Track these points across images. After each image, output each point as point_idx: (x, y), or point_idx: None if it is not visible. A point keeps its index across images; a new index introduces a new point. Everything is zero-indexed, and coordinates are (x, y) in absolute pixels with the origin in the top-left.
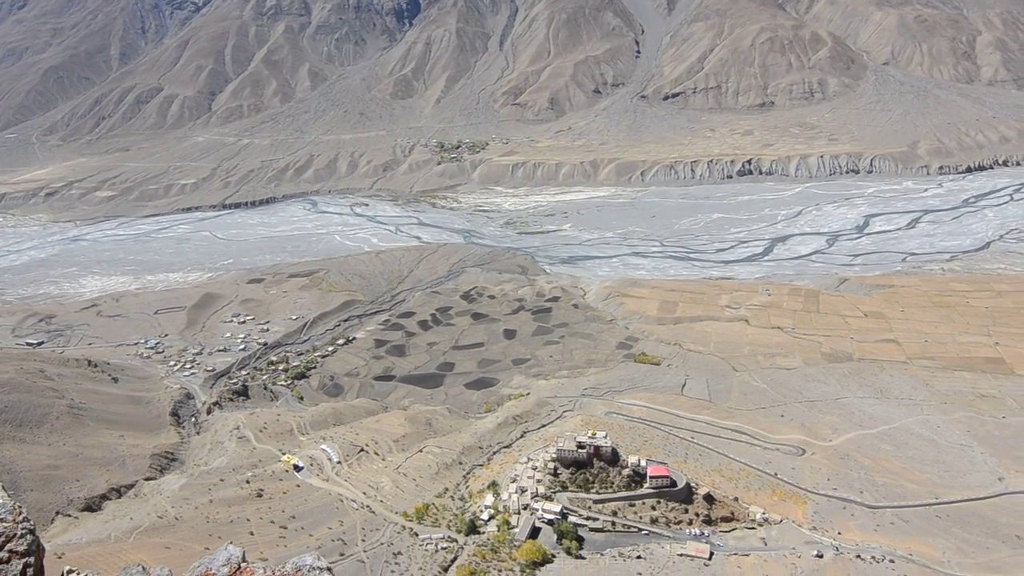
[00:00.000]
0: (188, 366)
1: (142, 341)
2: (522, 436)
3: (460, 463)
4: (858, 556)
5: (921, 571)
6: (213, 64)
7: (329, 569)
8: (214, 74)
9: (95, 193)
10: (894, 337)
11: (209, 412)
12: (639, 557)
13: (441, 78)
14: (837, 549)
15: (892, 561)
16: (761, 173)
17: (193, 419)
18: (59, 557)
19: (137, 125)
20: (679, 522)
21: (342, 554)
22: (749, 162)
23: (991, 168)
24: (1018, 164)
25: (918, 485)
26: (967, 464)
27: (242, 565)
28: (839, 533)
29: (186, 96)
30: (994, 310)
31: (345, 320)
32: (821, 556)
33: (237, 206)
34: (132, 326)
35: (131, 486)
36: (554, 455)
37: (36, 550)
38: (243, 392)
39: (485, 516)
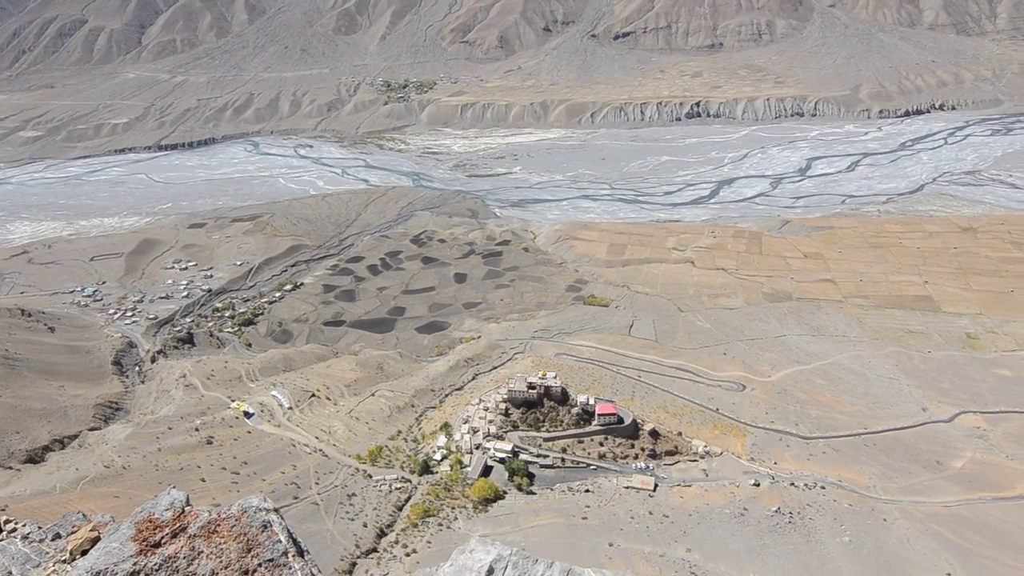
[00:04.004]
0: (129, 314)
1: (78, 289)
2: (474, 378)
3: (412, 406)
4: (792, 484)
5: (849, 496)
6: None
7: (276, 510)
8: (143, 5)
9: (18, 133)
10: (831, 277)
11: (153, 360)
12: (587, 491)
13: (386, 13)
14: (773, 478)
15: (823, 488)
16: (709, 116)
17: (137, 368)
18: (2, 510)
19: (61, 60)
20: (626, 457)
21: (296, 497)
22: (698, 104)
23: (928, 112)
24: (953, 108)
25: (849, 416)
26: (894, 396)
27: (186, 509)
28: (775, 463)
29: (113, 29)
30: (925, 250)
31: (292, 265)
32: (758, 485)
33: (174, 147)
34: (67, 273)
35: (75, 437)
36: (505, 396)
37: None
38: (188, 340)
39: (438, 456)
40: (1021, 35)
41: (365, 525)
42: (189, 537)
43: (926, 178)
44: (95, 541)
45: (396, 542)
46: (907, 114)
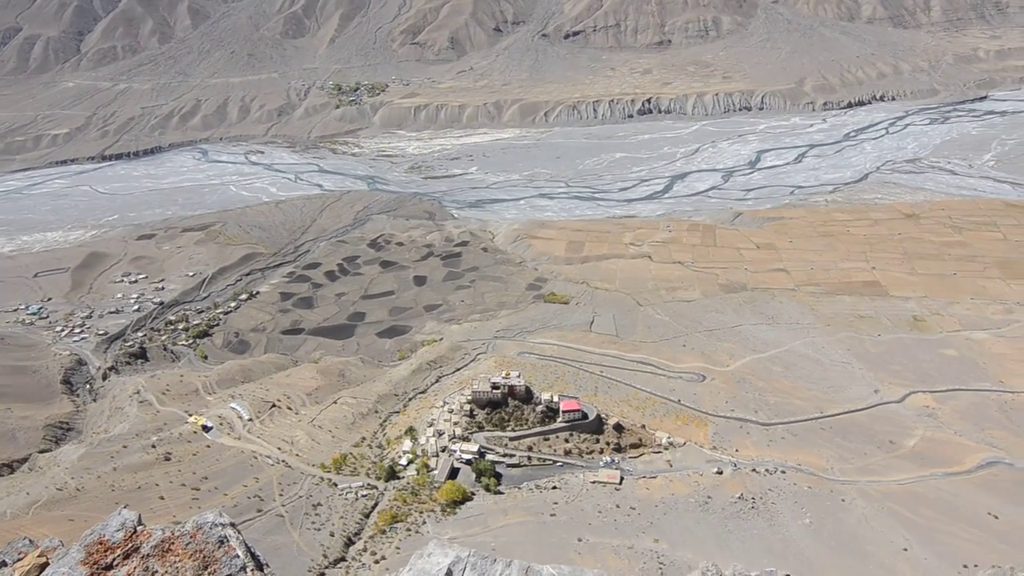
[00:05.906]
0: (77, 331)
1: (22, 307)
2: (437, 381)
3: (376, 412)
4: (753, 470)
5: (808, 479)
6: (78, 1)
7: (232, 524)
8: (80, 12)
9: None
10: (783, 266)
11: (105, 377)
12: (555, 487)
13: (335, 15)
14: (735, 465)
15: (783, 472)
16: (660, 112)
17: (88, 386)
18: None
19: None
20: (591, 452)
21: (260, 510)
22: (649, 101)
23: (870, 103)
24: (893, 99)
25: (805, 402)
26: (848, 380)
27: (139, 528)
28: (737, 450)
29: (50, 36)
30: (871, 237)
31: (247, 274)
32: (721, 472)
33: (119, 157)
34: (9, 291)
35: (24, 460)
36: (469, 397)
37: None
38: (141, 354)
39: (404, 461)
40: (954, 27)
41: (332, 534)
42: (142, 557)
43: (870, 167)
44: (43, 567)
45: (364, 550)
46: (850, 105)
